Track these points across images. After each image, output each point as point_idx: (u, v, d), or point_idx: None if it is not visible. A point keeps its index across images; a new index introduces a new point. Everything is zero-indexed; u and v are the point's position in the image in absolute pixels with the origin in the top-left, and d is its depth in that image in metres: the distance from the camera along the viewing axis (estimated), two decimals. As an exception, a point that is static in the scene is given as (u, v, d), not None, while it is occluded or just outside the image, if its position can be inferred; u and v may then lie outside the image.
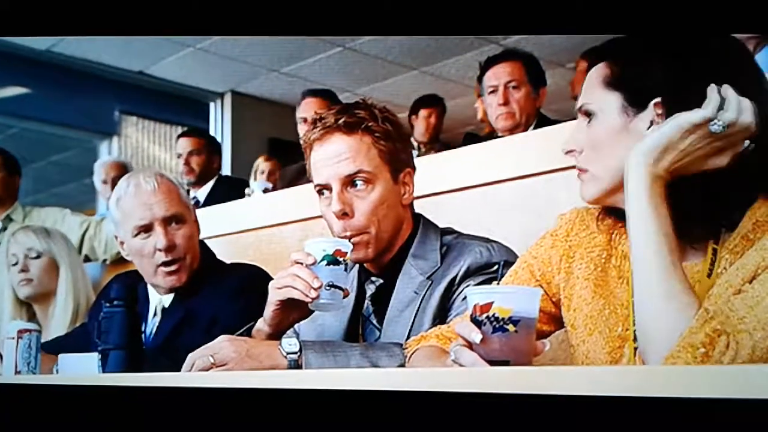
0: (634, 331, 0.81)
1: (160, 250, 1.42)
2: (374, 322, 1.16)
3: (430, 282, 1.11)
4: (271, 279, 1.52)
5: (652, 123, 0.79)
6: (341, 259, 1.02)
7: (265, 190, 2.51)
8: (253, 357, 1.00)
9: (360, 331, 1.18)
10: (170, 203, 1.44)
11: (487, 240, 1.14)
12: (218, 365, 1.00)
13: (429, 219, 1.21)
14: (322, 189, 1.14)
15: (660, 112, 0.79)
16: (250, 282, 1.45)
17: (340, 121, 1.11)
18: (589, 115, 0.84)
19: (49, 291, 1.95)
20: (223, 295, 1.40)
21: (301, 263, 1.02)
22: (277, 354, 1.01)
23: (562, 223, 0.94)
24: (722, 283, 0.75)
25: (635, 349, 0.81)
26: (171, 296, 1.48)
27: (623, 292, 0.85)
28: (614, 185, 0.82)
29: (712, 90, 0.75)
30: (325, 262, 1.01)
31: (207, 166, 2.92)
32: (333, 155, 1.12)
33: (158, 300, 1.49)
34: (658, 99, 0.79)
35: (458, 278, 1.10)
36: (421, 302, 1.10)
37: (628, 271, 0.85)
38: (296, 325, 1.26)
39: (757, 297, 0.71)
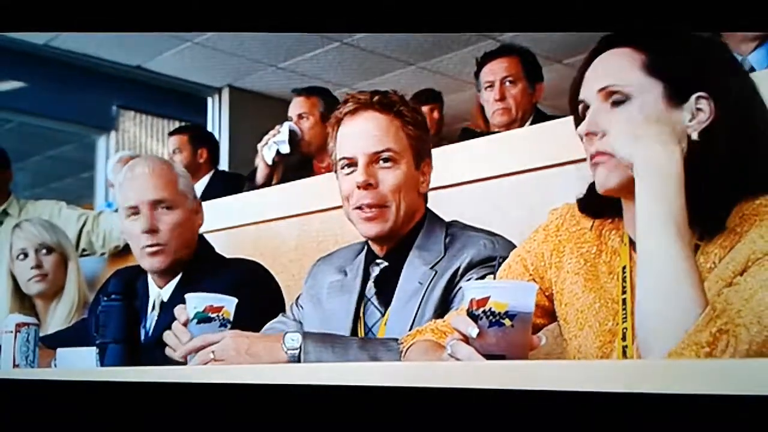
0: (623, 329, 0.82)
1: (142, 232, 1.43)
2: (375, 303, 1.17)
3: (434, 272, 1.12)
4: (269, 274, 1.53)
5: (692, 116, 0.78)
6: (214, 315, 1.04)
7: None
8: (252, 354, 1.01)
9: (361, 312, 1.19)
10: (159, 187, 1.46)
11: (493, 234, 1.15)
12: (217, 360, 1.01)
13: (435, 213, 1.22)
14: (348, 162, 1.16)
15: (700, 106, 0.78)
16: (248, 277, 1.46)
17: (375, 99, 1.15)
18: (618, 98, 0.80)
19: (59, 286, 1.95)
20: (221, 289, 1.41)
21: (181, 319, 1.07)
22: (279, 349, 1.03)
23: (553, 218, 0.94)
24: (713, 278, 0.76)
25: (624, 347, 0.81)
26: (170, 290, 1.49)
27: (613, 287, 0.86)
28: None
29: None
30: (195, 320, 1.04)
31: (192, 161, 2.86)
32: (363, 130, 1.15)
33: (157, 294, 1.50)
34: (702, 93, 0.78)
35: (461, 270, 1.10)
36: (424, 294, 1.11)
37: (618, 266, 0.86)
38: (301, 310, 1.27)
39: (750, 290, 0.71)
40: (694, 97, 0.79)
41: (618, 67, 0.81)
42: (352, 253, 1.25)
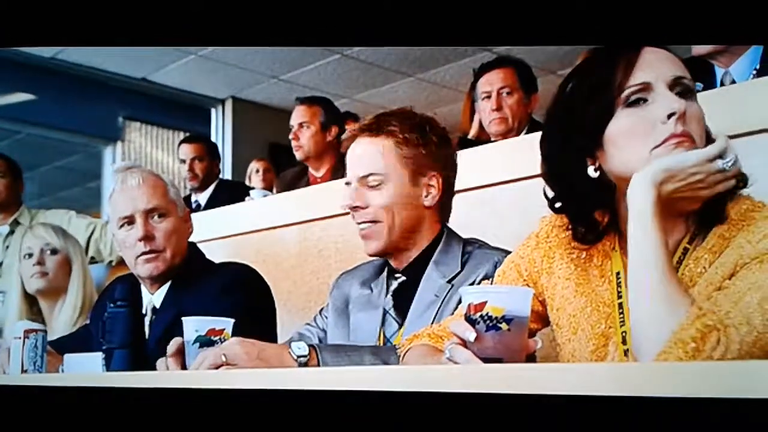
0: (623, 333, 0.83)
1: (138, 240, 1.46)
2: (393, 315, 1.21)
3: (450, 286, 1.16)
4: (258, 275, 1.56)
5: None
6: (216, 338, 1.05)
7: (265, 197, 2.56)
8: (263, 359, 1.02)
9: (381, 324, 1.22)
10: (152, 197, 1.49)
11: (507, 252, 1.18)
12: (229, 364, 1.01)
13: (452, 229, 1.26)
14: (347, 184, 1.25)
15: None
16: (237, 279, 1.47)
17: (364, 124, 1.23)
18: (686, 90, 0.82)
19: (60, 287, 1.98)
20: (212, 293, 1.42)
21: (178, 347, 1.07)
22: (287, 357, 1.04)
23: (543, 225, 0.97)
24: (704, 282, 0.78)
25: (626, 351, 0.82)
26: (161, 296, 1.50)
27: (605, 290, 0.87)
28: None
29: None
30: (197, 344, 1.04)
31: (209, 172, 3.02)
32: (355, 157, 1.23)
33: (149, 299, 1.51)
34: None
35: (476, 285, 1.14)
36: (440, 306, 1.15)
37: (610, 270, 0.88)
38: (325, 320, 1.30)
39: (738, 293, 0.73)
40: None
41: (682, 66, 0.84)
42: (375, 269, 1.30)
